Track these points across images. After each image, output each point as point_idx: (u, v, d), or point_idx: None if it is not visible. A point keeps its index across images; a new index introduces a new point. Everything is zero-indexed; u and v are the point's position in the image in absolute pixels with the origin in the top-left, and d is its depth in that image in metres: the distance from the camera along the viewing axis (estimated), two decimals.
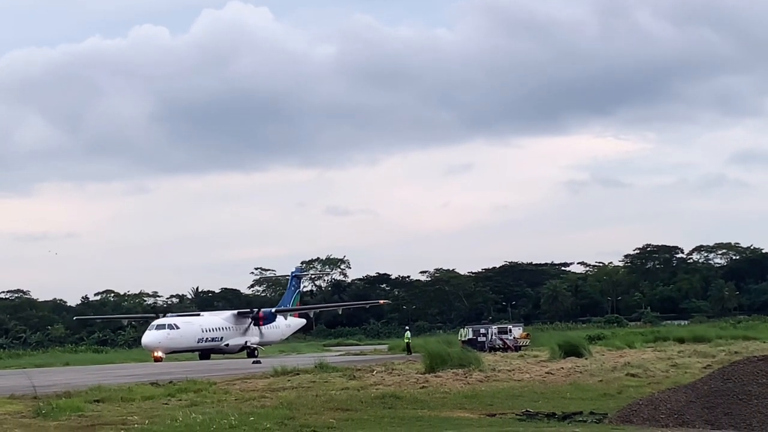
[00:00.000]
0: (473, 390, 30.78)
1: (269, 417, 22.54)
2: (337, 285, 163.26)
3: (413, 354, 64.07)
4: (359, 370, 40.17)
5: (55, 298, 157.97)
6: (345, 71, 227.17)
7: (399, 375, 37.62)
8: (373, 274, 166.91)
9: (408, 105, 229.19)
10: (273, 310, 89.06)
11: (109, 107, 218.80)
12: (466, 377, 35.39)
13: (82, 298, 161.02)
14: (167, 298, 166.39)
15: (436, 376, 35.77)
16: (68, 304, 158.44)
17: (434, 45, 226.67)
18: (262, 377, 38.48)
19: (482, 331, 69.29)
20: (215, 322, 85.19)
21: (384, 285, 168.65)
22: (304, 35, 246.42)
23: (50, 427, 21.96)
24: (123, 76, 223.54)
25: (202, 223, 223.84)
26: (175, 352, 78.78)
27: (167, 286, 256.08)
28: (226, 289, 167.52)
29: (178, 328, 77.94)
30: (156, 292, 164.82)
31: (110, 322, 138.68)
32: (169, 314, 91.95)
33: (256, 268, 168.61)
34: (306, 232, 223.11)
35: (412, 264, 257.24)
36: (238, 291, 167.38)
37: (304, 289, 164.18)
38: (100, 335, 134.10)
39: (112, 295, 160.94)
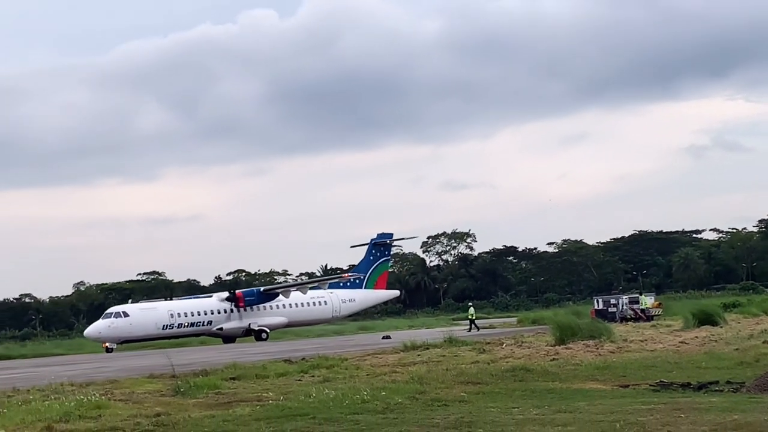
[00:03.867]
0: (605, 361, 30.47)
1: (400, 391, 22.71)
2: (464, 259, 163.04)
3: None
4: (488, 343, 40.15)
5: (189, 279, 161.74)
6: (451, 46, 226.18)
7: (529, 347, 37.49)
8: (499, 246, 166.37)
9: (517, 77, 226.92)
10: (262, 289, 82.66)
11: (223, 91, 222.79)
12: (597, 348, 35.05)
13: (215, 278, 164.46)
14: (297, 276, 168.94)
15: (566, 348, 35.53)
16: (202, 284, 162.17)
17: (540, 15, 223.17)
18: (392, 352, 38.80)
19: (613, 301, 68.55)
20: (203, 305, 79.63)
21: (511, 258, 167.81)
22: (409, 12, 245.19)
23: (189, 404, 22.53)
24: (234, 61, 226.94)
25: (324, 201, 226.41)
26: (128, 342, 73.77)
27: (296, 264, 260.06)
28: (353, 265, 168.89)
29: (126, 316, 73.32)
30: (286, 271, 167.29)
31: None
32: (178, 297, 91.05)
33: None
34: (425, 208, 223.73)
35: (536, 236, 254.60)
36: None
37: (431, 264, 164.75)
38: None
39: (244, 274, 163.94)
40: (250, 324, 78.27)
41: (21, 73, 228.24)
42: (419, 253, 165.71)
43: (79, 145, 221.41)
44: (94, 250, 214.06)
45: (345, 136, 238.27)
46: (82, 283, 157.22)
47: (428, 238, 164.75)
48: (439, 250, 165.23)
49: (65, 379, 30.59)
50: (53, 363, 56.59)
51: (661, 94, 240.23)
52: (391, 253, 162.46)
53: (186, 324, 76.00)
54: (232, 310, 77.83)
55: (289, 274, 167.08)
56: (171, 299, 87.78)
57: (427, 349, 38.58)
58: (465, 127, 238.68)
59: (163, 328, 74.81)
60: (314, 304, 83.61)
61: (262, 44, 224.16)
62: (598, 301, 70.59)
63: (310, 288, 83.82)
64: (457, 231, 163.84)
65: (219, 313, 77.98)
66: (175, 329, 75.67)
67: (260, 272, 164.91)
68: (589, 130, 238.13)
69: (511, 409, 19.32)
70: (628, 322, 59.83)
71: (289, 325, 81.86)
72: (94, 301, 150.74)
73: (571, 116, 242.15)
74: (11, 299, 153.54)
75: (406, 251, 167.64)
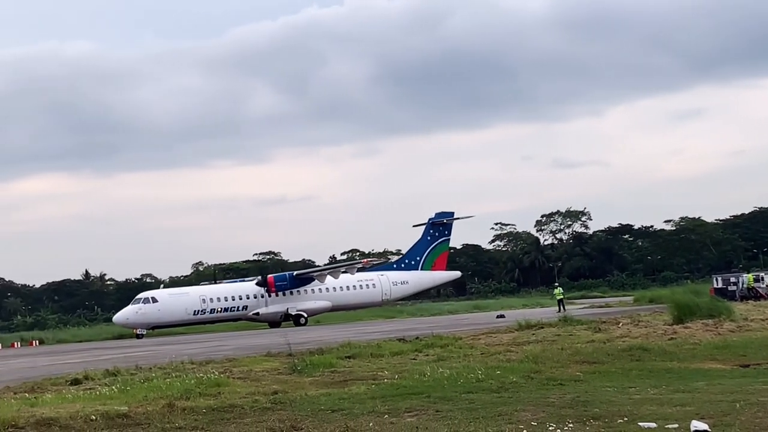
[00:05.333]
0: (724, 340, 29.88)
1: (515, 371, 22.66)
2: (578, 237, 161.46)
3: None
4: (604, 322, 39.70)
5: (304, 259, 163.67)
6: (558, 23, 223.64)
7: (646, 327, 36.93)
8: (614, 225, 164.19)
9: (627, 53, 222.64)
10: (294, 273, 79.47)
11: (331, 73, 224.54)
12: (717, 327, 34.35)
13: (330, 257, 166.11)
14: None
15: (684, 327, 34.90)
16: (317, 263, 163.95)
17: None
18: (506, 331, 38.67)
19: (732, 280, 67.25)
20: (238, 289, 78.15)
21: (627, 236, 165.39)
22: None
23: (305, 382, 22.84)
24: (342, 43, 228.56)
25: (434, 180, 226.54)
26: (157, 327, 73.99)
27: (410, 243, 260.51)
28: (467, 244, 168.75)
29: (155, 301, 73.01)
30: (399, 250, 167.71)
31: None
32: (224, 281, 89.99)
33: (496, 223, 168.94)
34: (534, 186, 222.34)
35: (652, 213, 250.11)
36: (480, 246, 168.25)
37: (545, 243, 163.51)
38: None
39: (358, 254, 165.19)
40: (288, 308, 76.60)
41: (136, 56, 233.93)
42: (533, 231, 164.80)
43: (192, 127, 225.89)
44: (210, 230, 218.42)
45: (454, 115, 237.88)
46: (200, 263, 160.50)
47: (542, 216, 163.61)
48: (553, 229, 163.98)
49: (185, 358, 31.36)
50: (173, 342, 57.99)
51: None
52: (506, 233, 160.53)
53: (219, 309, 74.95)
54: (269, 295, 76.22)
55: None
56: (216, 282, 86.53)
57: (542, 328, 38.35)
58: (575, 105, 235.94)
59: (194, 314, 74.03)
60: (361, 287, 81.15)
61: (369, 25, 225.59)
62: (717, 280, 69.28)
63: (343, 271, 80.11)
64: (572, 209, 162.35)
65: (255, 297, 76.37)
66: (207, 315, 74.65)
67: (374, 251, 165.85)
68: (704, 106, 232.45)
69: (628, 388, 19.12)
70: (749, 301, 58.58)
71: (333, 309, 79.82)
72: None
73: (685, 92, 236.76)
74: (133, 279, 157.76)
75: (520, 230, 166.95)
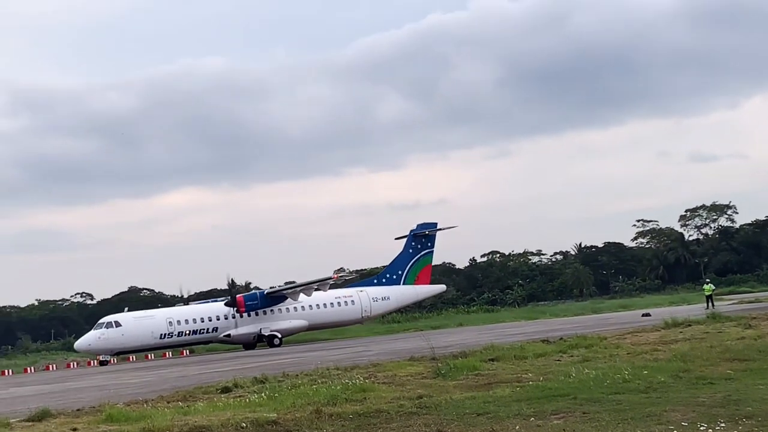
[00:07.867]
0: None
1: (663, 370, 22.23)
2: (724, 232, 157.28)
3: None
4: (755, 318, 38.66)
5: (444, 262, 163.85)
6: (687, 15, 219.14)
7: None
8: (761, 218, 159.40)
9: (759, 43, 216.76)
10: (265, 292, 75.30)
11: (459, 77, 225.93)
12: None
13: (470, 260, 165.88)
14: (551, 256, 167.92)
15: None
16: (457, 266, 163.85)
17: None
18: (652, 330, 37.98)
19: None
20: (208, 310, 74.37)
21: None
22: None
23: (449, 386, 22.86)
24: (468, 46, 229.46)
25: (569, 180, 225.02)
26: (122, 353, 71.44)
27: (550, 243, 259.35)
28: (609, 243, 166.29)
29: (118, 326, 69.47)
30: (540, 250, 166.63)
31: (498, 282, 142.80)
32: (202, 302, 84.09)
33: (638, 220, 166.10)
34: (672, 181, 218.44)
35: None
36: (622, 244, 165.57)
37: (690, 238, 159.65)
38: (490, 295, 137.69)
39: (498, 255, 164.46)
40: (261, 329, 73.76)
41: (267, 70, 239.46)
42: (676, 227, 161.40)
43: (324, 137, 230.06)
44: (348, 236, 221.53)
45: (584, 114, 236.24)
46: (341, 269, 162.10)
47: (686, 211, 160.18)
48: (698, 224, 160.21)
49: (331, 364, 31.74)
50: (319, 348, 58.75)
51: None
52: (648, 229, 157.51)
53: (187, 332, 71.98)
54: (241, 315, 73.24)
55: (543, 254, 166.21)
56: (187, 304, 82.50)
57: (689, 325, 37.55)
58: (709, 98, 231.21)
59: (160, 338, 71.10)
60: (339, 304, 77.74)
61: (494, 27, 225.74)
62: None
63: (316, 288, 75.65)
64: (717, 203, 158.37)
65: (226, 318, 73.49)
66: (174, 338, 71.81)
67: (514, 252, 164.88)
68: None
69: None
70: None
71: (311, 328, 76.90)
72: None
73: None
74: (277, 287, 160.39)
75: (663, 226, 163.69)
